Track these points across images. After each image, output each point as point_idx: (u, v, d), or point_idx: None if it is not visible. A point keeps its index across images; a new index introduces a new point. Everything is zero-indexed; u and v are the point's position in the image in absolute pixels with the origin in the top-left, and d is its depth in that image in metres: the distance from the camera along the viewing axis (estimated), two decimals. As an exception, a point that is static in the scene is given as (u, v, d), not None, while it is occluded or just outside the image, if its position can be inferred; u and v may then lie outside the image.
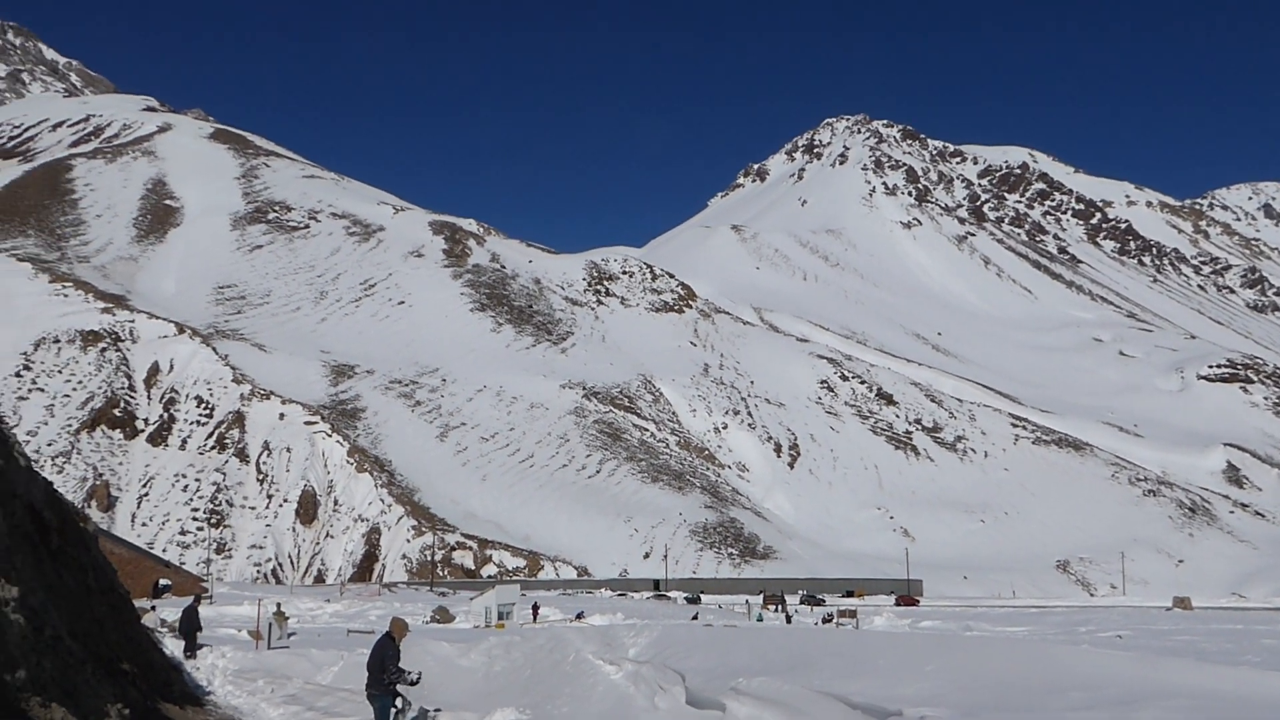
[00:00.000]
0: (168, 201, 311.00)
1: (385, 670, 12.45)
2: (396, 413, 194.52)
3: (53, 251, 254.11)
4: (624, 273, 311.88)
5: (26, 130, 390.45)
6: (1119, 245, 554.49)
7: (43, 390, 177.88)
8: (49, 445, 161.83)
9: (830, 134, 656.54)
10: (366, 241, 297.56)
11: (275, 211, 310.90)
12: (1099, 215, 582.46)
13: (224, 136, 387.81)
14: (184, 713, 13.62)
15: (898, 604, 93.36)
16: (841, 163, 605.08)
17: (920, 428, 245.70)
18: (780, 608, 79.36)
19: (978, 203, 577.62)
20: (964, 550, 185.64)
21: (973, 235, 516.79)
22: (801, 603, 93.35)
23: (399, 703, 12.63)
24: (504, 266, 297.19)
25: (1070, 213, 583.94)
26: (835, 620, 58.84)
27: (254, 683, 19.60)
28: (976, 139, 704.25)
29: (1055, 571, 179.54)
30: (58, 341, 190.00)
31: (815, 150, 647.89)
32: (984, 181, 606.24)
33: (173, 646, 22.63)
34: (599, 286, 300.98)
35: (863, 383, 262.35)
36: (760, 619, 62.07)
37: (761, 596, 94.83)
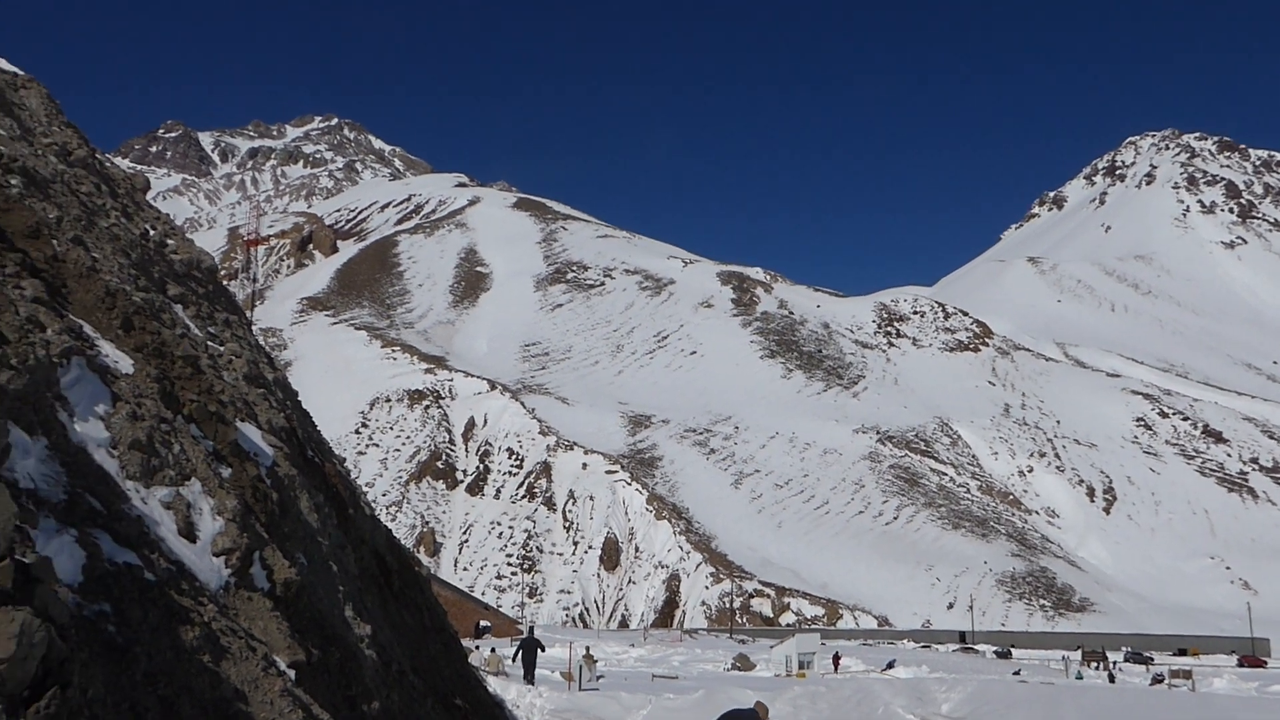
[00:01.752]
0: (478, 268, 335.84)
1: None
2: (692, 460, 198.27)
3: (383, 319, 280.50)
4: (915, 313, 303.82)
5: (360, 213, 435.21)
6: None
7: (377, 445, 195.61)
8: (384, 495, 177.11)
9: (1134, 153, 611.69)
10: (658, 295, 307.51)
11: (573, 271, 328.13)
12: None
13: (525, 205, 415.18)
14: (510, 748, 14.42)
15: (1240, 664, 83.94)
16: (1149, 183, 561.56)
17: (1257, 467, 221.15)
18: (1102, 665, 73.46)
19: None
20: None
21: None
22: (1126, 660, 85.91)
23: None
24: (792, 312, 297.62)
25: None
26: (1167, 681, 53.74)
27: (569, 722, 20.43)
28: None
29: None
30: (389, 400, 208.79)
31: (1118, 172, 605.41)
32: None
33: (495, 685, 24.01)
34: (889, 328, 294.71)
35: (1185, 419, 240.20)
36: (1080, 677, 57.73)
37: (1080, 652, 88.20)
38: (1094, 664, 74.65)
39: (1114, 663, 79.17)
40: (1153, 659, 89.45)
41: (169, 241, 12.28)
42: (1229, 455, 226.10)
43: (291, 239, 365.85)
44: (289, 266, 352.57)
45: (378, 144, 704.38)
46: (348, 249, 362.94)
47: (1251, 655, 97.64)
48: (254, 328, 16.98)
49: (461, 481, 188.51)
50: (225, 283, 17.13)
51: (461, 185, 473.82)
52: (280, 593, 7.28)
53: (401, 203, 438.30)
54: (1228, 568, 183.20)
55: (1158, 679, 56.57)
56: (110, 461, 6.26)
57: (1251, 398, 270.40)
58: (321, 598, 8.42)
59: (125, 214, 11.36)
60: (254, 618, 6.75)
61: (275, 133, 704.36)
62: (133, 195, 12.79)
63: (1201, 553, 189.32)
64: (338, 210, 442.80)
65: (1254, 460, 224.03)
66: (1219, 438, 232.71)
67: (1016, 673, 56.18)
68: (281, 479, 8.95)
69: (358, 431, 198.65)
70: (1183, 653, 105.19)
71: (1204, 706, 14.02)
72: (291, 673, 6.35)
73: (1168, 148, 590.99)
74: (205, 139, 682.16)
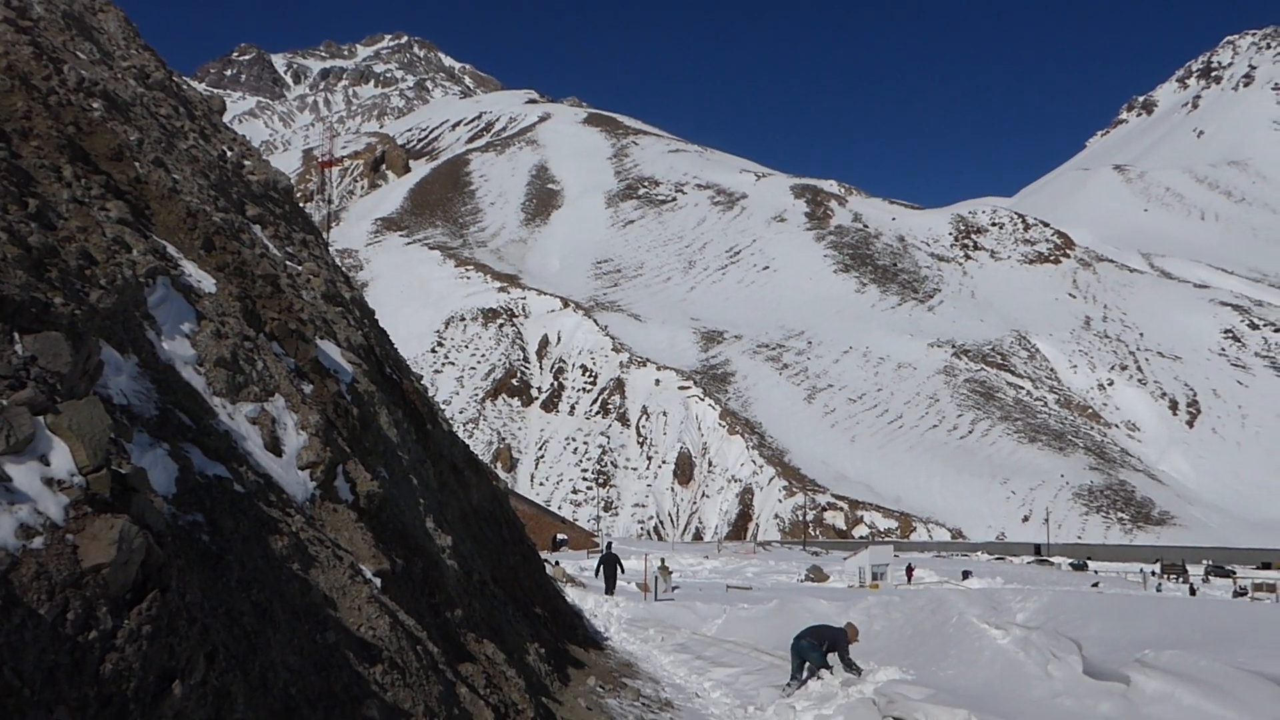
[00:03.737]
0: (550, 185, 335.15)
1: (836, 650, 13.42)
2: (764, 376, 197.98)
3: (456, 239, 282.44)
4: (993, 224, 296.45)
5: (431, 132, 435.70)
6: None
7: (453, 364, 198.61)
8: (460, 413, 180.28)
9: (1232, 53, 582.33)
10: (730, 210, 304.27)
11: (645, 187, 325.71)
12: None
13: (596, 120, 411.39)
14: (588, 654, 14.81)
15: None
16: (1246, 84, 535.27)
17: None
18: (1182, 578, 72.63)
19: None
20: None
21: None
22: (1207, 574, 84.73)
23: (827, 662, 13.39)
24: (866, 226, 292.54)
25: None
26: (1250, 594, 52.97)
27: (645, 631, 20.88)
28: None
29: None
30: (463, 319, 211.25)
31: (1213, 74, 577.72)
32: None
33: (574, 595, 24.59)
34: (966, 240, 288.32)
35: (1278, 330, 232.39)
36: (1159, 589, 57.19)
37: (1159, 565, 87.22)
38: (1173, 576, 73.85)
39: (1195, 576, 78.22)
40: (1235, 572, 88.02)
41: (246, 163, 12.44)
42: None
43: (364, 160, 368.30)
44: (363, 188, 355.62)
45: (448, 62, 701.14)
46: (420, 169, 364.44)
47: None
48: (330, 248, 17.23)
49: (536, 398, 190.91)
50: (301, 204, 17.37)
51: (532, 102, 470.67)
52: (364, 504, 7.49)
53: (472, 121, 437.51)
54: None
55: (1240, 592, 55.81)
56: (197, 378, 6.45)
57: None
58: (403, 510, 8.65)
59: (203, 136, 11.52)
60: (339, 528, 6.97)
61: (346, 53, 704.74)
62: (209, 118, 12.95)
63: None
64: (409, 130, 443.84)
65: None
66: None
67: (1095, 585, 55.86)
68: (361, 395, 9.14)
69: (434, 350, 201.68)
70: (1267, 566, 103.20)
71: (1288, 620, 13.81)
72: (377, 581, 6.56)
73: (1268, 46, 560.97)
74: (278, 61, 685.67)
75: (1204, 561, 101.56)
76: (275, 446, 6.78)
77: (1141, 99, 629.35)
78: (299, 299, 9.25)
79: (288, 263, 10.50)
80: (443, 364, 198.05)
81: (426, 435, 12.48)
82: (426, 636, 6.68)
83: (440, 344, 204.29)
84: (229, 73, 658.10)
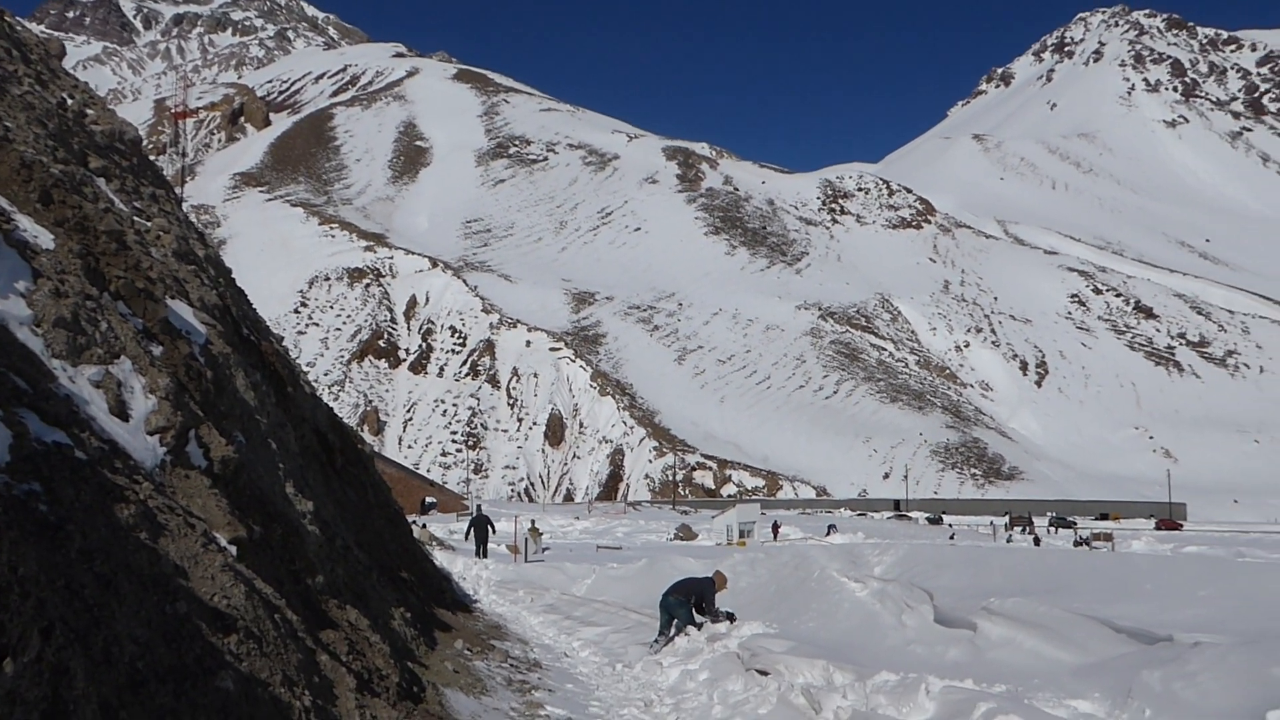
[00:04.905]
0: (418, 142, 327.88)
1: (704, 600, 13.69)
2: (635, 337, 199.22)
3: (320, 195, 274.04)
4: (859, 189, 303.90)
5: (293, 84, 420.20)
6: None
7: (318, 324, 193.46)
8: (325, 375, 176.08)
9: (1084, 29, 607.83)
10: (602, 170, 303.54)
11: (516, 146, 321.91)
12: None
13: (466, 76, 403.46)
14: (456, 618, 14.74)
15: (1158, 528, 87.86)
16: (1096, 60, 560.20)
17: (1184, 342, 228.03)
18: (1028, 529, 76.54)
19: (1256, 94, 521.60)
20: (1235, 473, 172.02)
21: (1249, 131, 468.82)
22: (1051, 525, 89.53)
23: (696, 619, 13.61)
24: (737, 189, 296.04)
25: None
26: (1089, 544, 56.21)
27: (515, 592, 20.91)
28: (1255, 22, 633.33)
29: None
30: (328, 279, 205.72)
31: (1066, 49, 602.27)
32: (1264, 70, 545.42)
33: (442, 558, 24.42)
34: (834, 205, 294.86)
35: (1118, 295, 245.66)
36: (1010, 540, 60.19)
37: (1007, 518, 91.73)
38: (1021, 528, 77.71)
39: (1040, 528, 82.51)
40: (1076, 523, 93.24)
41: (89, 111, 11.76)
42: (1158, 330, 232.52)
43: (221, 111, 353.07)
44: (219, 140, 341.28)
45: (310, 10, 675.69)
46: (281, 122, 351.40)
47: (1169, 519, 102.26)
48: (184, 204, 16.52)
49: (404, 360, 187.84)
50: (152, 157, 16.55)
51: (399, 56, 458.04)
52: (218, 470, 7.24)
53: (337, 74, 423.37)
54: (1151, 437, 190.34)
55: (1080, 542, 59.14)
56: (34, 340, 6.11)
57: (1183, 275, 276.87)
58: (261, 475, 8.40)
59: (39, 82, 10.83)
60: (192, 495, 6.72)
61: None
62: (47, 62, 12.18)
63: (1127, 424, 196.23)
64: (270, 82, 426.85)
65: (1181, 335, 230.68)
66: (1149, 313, 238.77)
67: (951, 537, 58.38)
68: (216, 357, 8.81)
69: (297, 311, 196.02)
70: (1105, 517, 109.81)
71: (1121, 566, 14.72)
72: (233, 549, 6.37)
73: (1117, 24, 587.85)
74: (126, 4, 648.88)
75: (1048, 514, 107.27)
76: (121, 411, 6.48)
77: (1000, 71, 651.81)
78: (147, 257, 8.84)
79: (135, 218, 10.00)
80: (306, 325, 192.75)
81: (287, 398, 12.14)
82: (285, 604, 6.53)
83: (304, 304, 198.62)
84: (71, 15, 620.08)
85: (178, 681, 4.82)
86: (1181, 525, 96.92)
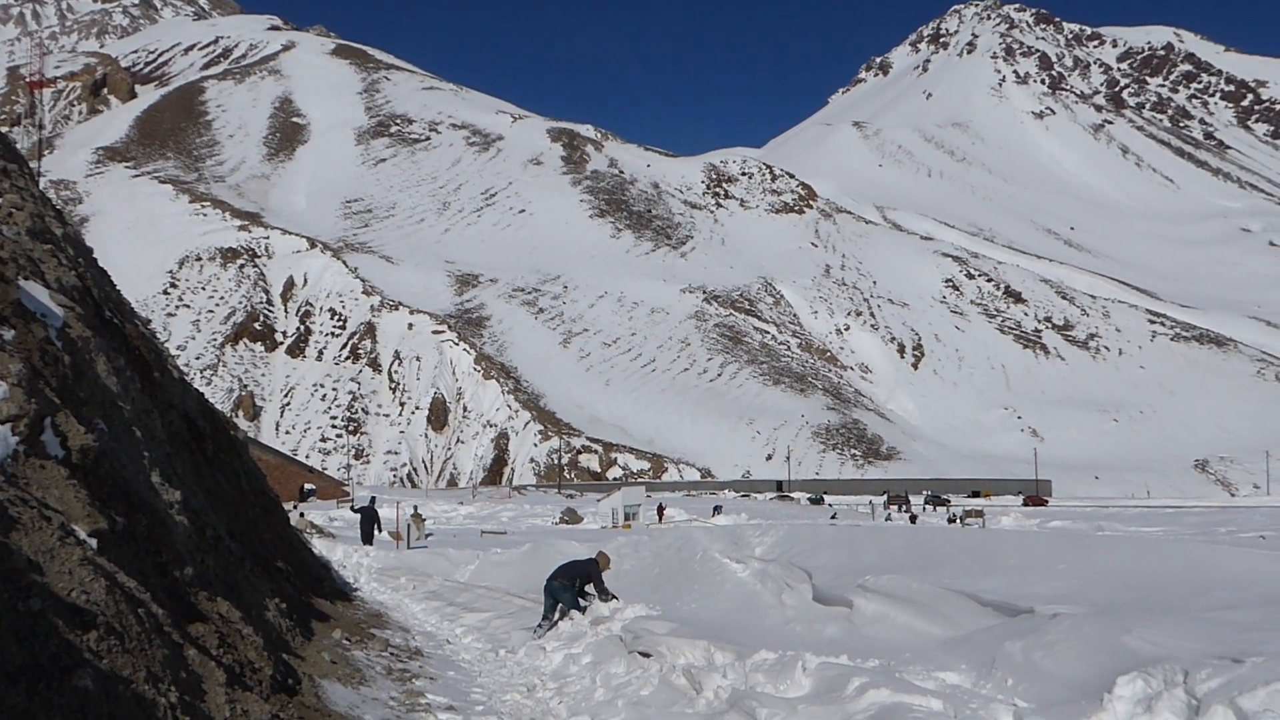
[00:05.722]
0: (295, 119, 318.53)
1: (590, 581, 13.71)
2: (520, 320, 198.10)
3: (190, 172, 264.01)
4: (743, 174, 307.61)
5: (160, 55, 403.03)
6: (1273, 129, 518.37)
7: (189, 306, 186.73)
8: (197, 359, 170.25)
9: (958, 21, 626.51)
10: (486, 151, 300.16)
11: (397, 125, 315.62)
12: (1251, 96, 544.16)
13: (345, 52, 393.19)
14: (335, 607, 14.46)
15: (1025, 504, 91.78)
16: (969, 51, 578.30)
17: (1050, 326, 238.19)
18: (905, 508, 79.02)
19: (1117, 89, 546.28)
20: (1096, 450, 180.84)
21: (1110, 123, 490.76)
22: (926, 503, 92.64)
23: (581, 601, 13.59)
24: (622, 172, 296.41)
25: (1219, 95, 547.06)
26: (961, 520, 58.34)
27: (397, 580, 20.61)
28: (1117, 19, 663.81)
29: (1193, 471, 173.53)
30: (199, 259, 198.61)
31: (941, 40, 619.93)
32: (1124, 65, 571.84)
33: (321, 547, 23.93)
34: (718, 189, 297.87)
35: (990, 280, 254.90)
36: (889, 519, 62.06)
37: (885, 497, 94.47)
38: (898, 507, 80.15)
39: (916, 506, 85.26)
40: (950, 501, 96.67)
41: (-68, 80, 11.06)
42: (1026, 314, 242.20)
43: (83, 82, 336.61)
44: (80, 113, 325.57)
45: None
46: (148, 95, 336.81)
47: (1036, 495, 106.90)
48: (41, 179, 15.69)
49: (281, 343, 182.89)
50: (5, 129, 15.70)
51: (274, 29, 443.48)
52: (77, 460, 6.93)
53: (208, 45, 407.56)
54: (1019, 417, 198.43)
55: (953, 519, 61.33)
56: None
57: (1050, 261, 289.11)
58: (125, 464, 8.07)
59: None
60: (48, 486, 6.42)
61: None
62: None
63: (997, 404, 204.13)
64: (135, 52, 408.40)
65: (1048, 319, 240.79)
66: (1018, 298, 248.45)
67: (834, 517, 59.85)
68: (74, 341, 8.42)
69: (166, 292, 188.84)
70: (976, 495, 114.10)
71: (989, 541, 15.31)
72: (93, 541, 6.10)
73: (989, 17, 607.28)
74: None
75: (924, 492, 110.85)
76: (-31, 399, 6.14)
77: (879, 60, 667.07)
78: (-2, 235, 8.37)
79: (-15, 194, 9.47)
80: (177, 307, 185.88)
81: (154, 383, 11.68)
82: (150, 598, 6.29)
83: (173, 285, 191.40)
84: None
85: (32, 681, 4.60)
86: (1047, 501, 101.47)
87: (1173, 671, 6.22)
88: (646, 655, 10.25)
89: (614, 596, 13.58)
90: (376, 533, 29.33)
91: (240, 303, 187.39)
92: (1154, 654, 6.75)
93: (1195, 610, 8.46)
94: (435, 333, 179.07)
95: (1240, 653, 6.31)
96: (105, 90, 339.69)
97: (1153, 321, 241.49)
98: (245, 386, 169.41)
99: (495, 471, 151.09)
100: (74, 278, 9.87)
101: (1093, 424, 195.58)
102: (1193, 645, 6.83)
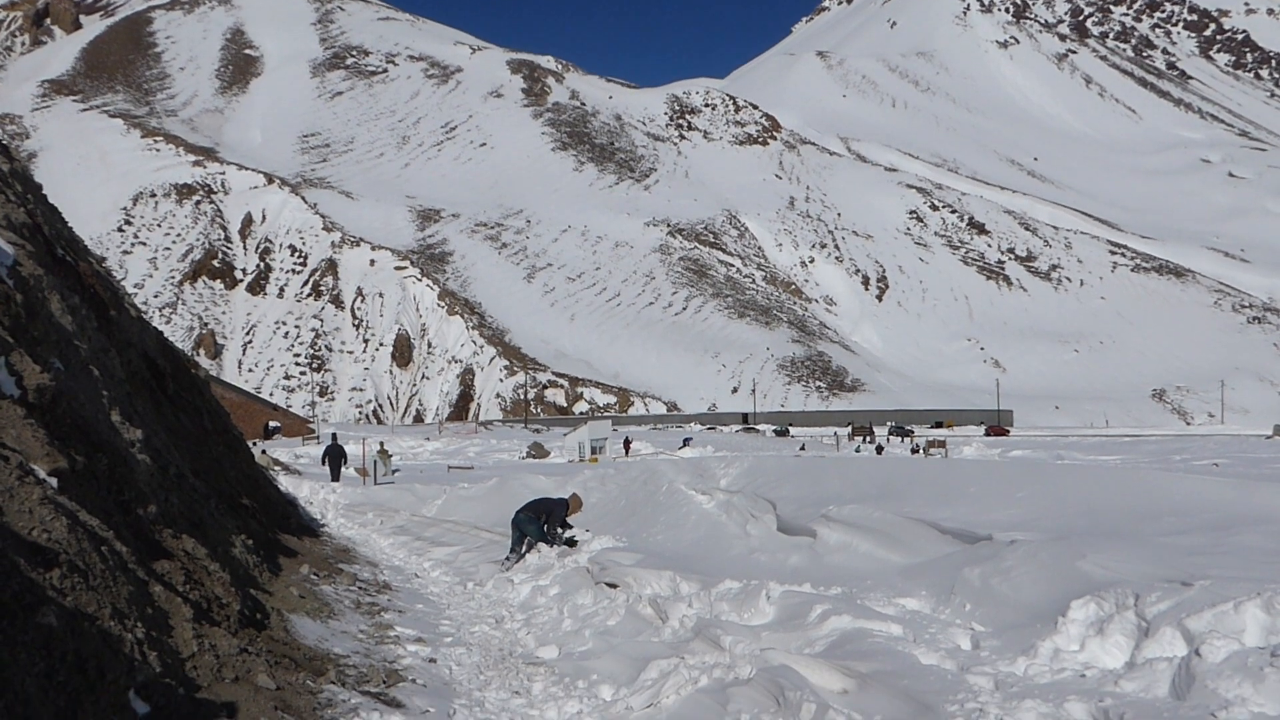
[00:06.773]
0: (247, 51, 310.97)
1: (553, 519, 13.71)
2: (484, 255, 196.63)
3: (141, 106, 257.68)
4: (706, 105, 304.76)
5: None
6: (1234, 58, 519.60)
7: (145, 244, 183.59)
8: (155, 297, 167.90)
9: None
10: (445, 84, 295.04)
11: (353, 56, 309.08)
12: (1213, 26, 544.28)
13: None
14: (302, 542, 14.49)
15: (987, 434, 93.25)
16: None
17: (1013, 257, 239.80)
18: (870, 439, 79.96)
19: (1080, 17, 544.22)
20: (1057, 380, 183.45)
21: (1074, 53, 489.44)
22: (890, 434, 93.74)
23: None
24: (584, 104, 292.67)
25: (1181, 24, 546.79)
26: (924, 450, 59.19)
27: (364, 515, 20.66)
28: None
29: (1151, 401, 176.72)
30: (154, 196, 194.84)
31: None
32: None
33: (287, 483, 23.89)
34: (681, 121, 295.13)
35: (953, 212, 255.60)
36: (858, 450, 62.79)
37: (850, 428, 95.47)
38: (862, 438, 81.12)
39: (880, 437, 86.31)
40: (913, 431, 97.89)
41: None
42: (989, 246, 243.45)
43: (23, 11, 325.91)
44: (23, 44, 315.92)
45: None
46: (93, 25, 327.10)
47: (997, 425, 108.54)
48: (-15, 112, 15.25)
49: (241, 280, 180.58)
50: (-55, 60, 15.20)
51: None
52: (34, 399, 6.85)
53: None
54: (982, 348, 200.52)
55: (916, 449, 62.21)
56: None
57: (1013, 192, 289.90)
58: (83, 403, 7.98)
59: None
60: (6, 426, 6.36)
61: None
62: None
63: (960, 335, 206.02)
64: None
65: (1010, 250, 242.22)
66: (981, 229, 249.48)
67: (802, 448, 60.46)
68: (26, 279, 8.27)
69: (121, 229, 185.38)
70: (939, 425, 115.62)
71: (950, 471, 15.54)
72: (53, 480, 6.06)
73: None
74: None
75: (888, 423, 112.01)
76: (-81, 338, 6.03)
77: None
78: (-57, 171, 8.16)
79: (-73, 129, 9.20)
80: (133, 244, 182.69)
81: (110, 322, 11.52)
82: (114, 536, 6.27)
83: (128, 223, 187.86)
84: None
85: (-6, 621, 4.59)
86: (1009, 431, 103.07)
87: (1124, 595, 6.39)
88: (613, 586, 10.39)
89: (574, 540, 13.54)
90: (343, 468, 29.48)
91: (198, 240, 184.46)
92: (1106, 578, 6.93)
93: (1147, 536, 8.68)
94: (398, 269, 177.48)
95: (1189, 576, 6.50)
96: (49, 20, 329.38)
97: (1114, 253, 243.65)
98: (205, 325, 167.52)
99: (461, 407, 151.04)
100: (23, 215, 9.66)
101: (1054, 354, 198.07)
102: (1144, 569, 7.02)
